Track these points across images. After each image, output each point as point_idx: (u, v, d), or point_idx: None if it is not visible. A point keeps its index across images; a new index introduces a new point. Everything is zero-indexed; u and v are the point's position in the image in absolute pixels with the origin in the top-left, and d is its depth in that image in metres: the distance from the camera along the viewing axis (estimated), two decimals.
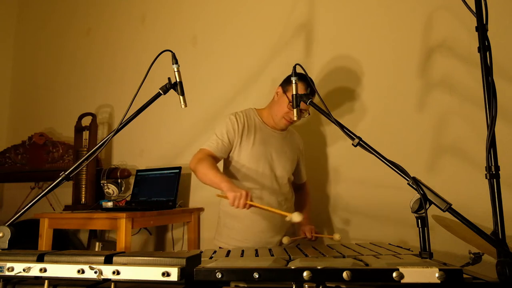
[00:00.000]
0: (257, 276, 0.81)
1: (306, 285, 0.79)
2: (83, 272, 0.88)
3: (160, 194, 2.62)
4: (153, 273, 0.84)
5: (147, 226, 2.65)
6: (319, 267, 0.80)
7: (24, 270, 0.91)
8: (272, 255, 1.29)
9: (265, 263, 0.89)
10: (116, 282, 0.87)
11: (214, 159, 1.83)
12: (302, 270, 0.80)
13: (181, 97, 1.44)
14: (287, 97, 1.83)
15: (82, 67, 3.33)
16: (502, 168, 1.04)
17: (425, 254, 1.05)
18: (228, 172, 1.92)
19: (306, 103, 1.47)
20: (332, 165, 2.35)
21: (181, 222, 2.69)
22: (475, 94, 1.93)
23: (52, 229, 2.38)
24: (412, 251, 1.30)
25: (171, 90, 1.44)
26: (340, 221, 2.29)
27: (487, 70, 1.09)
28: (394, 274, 0.77)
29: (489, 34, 1.11)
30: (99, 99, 3.19)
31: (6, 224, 1.17)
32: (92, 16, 3.36)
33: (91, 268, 0.87)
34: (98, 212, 2.35)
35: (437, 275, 0.76)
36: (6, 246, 1.13)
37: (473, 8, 1.14)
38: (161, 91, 1.43)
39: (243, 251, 1.43)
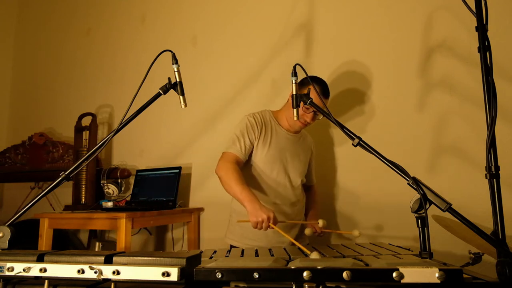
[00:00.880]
0: (257, 276, 0.81)
1: (306, 285, 0.79)
2: (83, 272, 0.88)
3: (160, 194, 2.62)
4: (153, 273, 0.84)
5: (147, 226, 2.64)
6: (319, 267, 0.80)
7: (24, 270, 0.91)
8: (272, 255, 1.29)
9: (265, 263, 0.89)
10: (116, 282, 0.87)
11: (239, 163, 1.83)
12: (302, 270, 0.79)
13: (181, 97, 1.44)
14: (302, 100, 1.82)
15: (82, 67, 3.33)
16: (502, 168, 1.04)
17: (425, 254, 1.05)
18: (245, 172, 1.88)
19: (306, 103, 1.47)
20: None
21: (181, 222, 2.69)
22: (475, 94, 1.94)
23: (52, 229, 2.38)
24: (412, 251, 1.30)
25: (171, 90, 1.44)
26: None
27: (487, 70, 1.09)
28: (394, 274, 0.77)
29: (489, 34, 1.11)
30: (99, 99, 3.19)
31: (6, 224, 1.16)
32: (92, 16, 3.36)
33: (91, 268, 0.87)
34: (98, 212, 2.35)
35: (437, 275, 0.76)
36: (6, 246, 1.13)
37: (473, 8, 1.14)
38: (161, 91, 1.43)
39: (243, 251, 1.43)
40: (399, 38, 2.25)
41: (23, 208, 1.24)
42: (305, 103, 1.47)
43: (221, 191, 1.85)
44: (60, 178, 1.29)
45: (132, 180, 2.86)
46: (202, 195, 2.68)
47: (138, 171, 2.84)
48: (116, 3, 3.27)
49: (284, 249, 1.45)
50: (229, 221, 2.03)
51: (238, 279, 0.84)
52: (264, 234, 1.81)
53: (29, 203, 1.27)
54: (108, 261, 0.91)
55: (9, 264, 0.92)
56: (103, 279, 0.87)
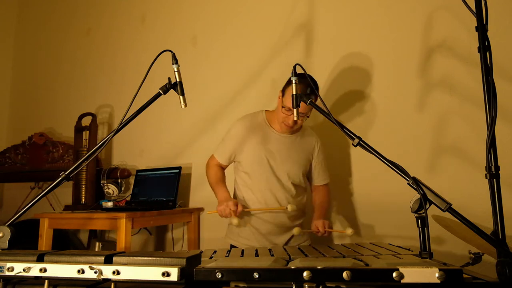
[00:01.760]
0: (257, 276, 0.81)
1: (306, 285, 0.79)
2: (83, 272, 0.88)
3: (160, 194, 2.62)
4: (153, 273, 0.84)
5: (147, 226, 2.65)
6: (319, 267, 0.80)
7: (24, 270, 0.91)
8: (272, 255, 1.29)
9: (265, 263, 0.89)
10: (116, 282, 0.87)
11: (221, 165, 2.03)
12: (302, 270, 0.79)
13: (181, 97, 1.44)
14: (282, 101, 1.84)
15: (82, 67, 3.33)
16: (502, 168, 1.04)
17: (425, 254, 1.05)
18: (237, 173, 2.02)
19: (306, 103, 1.47)
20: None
21: (181, 222, 2.69)
22: (475, 94, 1.93)
23: (52, 229, 2.38)
24: (412, 251, 1.30)
25: (171, 90, 1.44)
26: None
27: (487, 70, 1.09)
28: (394, 274, 0.77)
29: (489, 34, 1.11)
30: (99, 99, 3.19)
31: (6, 224, 1.16)
32: (92, 16, 3.36)
33: (91, 268, 0.87)
34: (98, 212, 2.35)
35: (437, 275, 0.76)
36: (6, 246, 1.13)
37: (473, 8, 1.14)
38: (161, 91, 1.43)
39: (243, 251, 1.43)
40: (399, 38, 2.25)
41: (23, 208, 1.24)
42: (305, 103, 1.48)
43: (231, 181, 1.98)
44: (60, 178, 1.29)
45: (132, 180, 2.87)
46: (202, 195, 2.68)
47: (138, 171, 2.84)
48: (116, 3, 3.27)
49: (284, 249, 1.45)
50: (228, 222, 2.04)
51: (238, 279, 0.84)
52: (259, 235, 1.93)
53: (29, 203, 1.27)
54: (108, 261, 0.91)
55: (9, 264, 0.92)
56: (103, 279, 0.87)
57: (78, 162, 1.33)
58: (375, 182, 2.18)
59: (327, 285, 0.80)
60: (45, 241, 2.31)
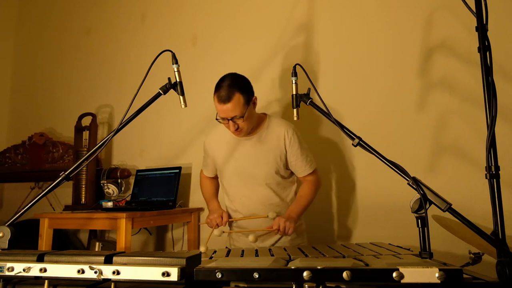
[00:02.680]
0: (257, 276, 0.81)
1: (306, 285, 0.79)
2: (83, 272, 0.88)
3: (160, 194, 2.62)
4: (153, 273, 0.84)
5: (147, 226, 2.64)
6: (319, 267, 0.80)
7: (24, 270, 0.91)
8: (272, 255, 1.29)
9: (265, 263, 0.89)
10: (116, 282, 0.87)
11: (209, 177, 2.12)
12: (302, 270, 0.79)
13: (181, 97, 1.44)
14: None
15: (82, 67, 3.32)
16: (502, 168, 1.04)
17: (425, 254, 1.05)
18: (220, 184, 2.09)
19: (306, 104, 1.46)
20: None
21: (181, 222, 2.69)
22: (475, 94, 1.93)
23: (52, 229, 2.38)
24: (412, 251, 1.30)
25: (171, 90, 1.44)
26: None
27: (487, 70, 1.09)
28: (394, 274, 0.77)
29: (489, 34, 1.12)
30: (99, 99, 3.19)
31: (6, 224, 1.17)
32: (92, 16, 3.35)
33: (91, 268, 0.87)
34: (98, 212, 2.35)
35: (437, 275, 0.76)
36: (6, 246, 1.13)
37: (473, 8, 1.14)
38: (161, 91, 1.43)
39: (243, 251, 1.43)
40: (399, 38, 2.25)
41: (23, 208, 1.24)
42: (305, 103, 1.46)
43: (220, 192, 1.97)
44: (60, 178, 1.29)
45: (132, 180, 2.86)
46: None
47: (138, 171, 2.83)
48: (116, 3, 3.27)
49: (284, 249, 1.45)
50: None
51: (238, 279, 0.84)
52: (243, 240, 1.95)
53: (29, 203, 1.27)
54: (108, 261, 0.91)
55: (9, 264, 0.92)
56: (103, 279, 0.87)
57: (78, 162, 1.33)
58: (375, 182, 2.18)
59: (327, 285, 0.80)
60: (45, 241, 2.31)
